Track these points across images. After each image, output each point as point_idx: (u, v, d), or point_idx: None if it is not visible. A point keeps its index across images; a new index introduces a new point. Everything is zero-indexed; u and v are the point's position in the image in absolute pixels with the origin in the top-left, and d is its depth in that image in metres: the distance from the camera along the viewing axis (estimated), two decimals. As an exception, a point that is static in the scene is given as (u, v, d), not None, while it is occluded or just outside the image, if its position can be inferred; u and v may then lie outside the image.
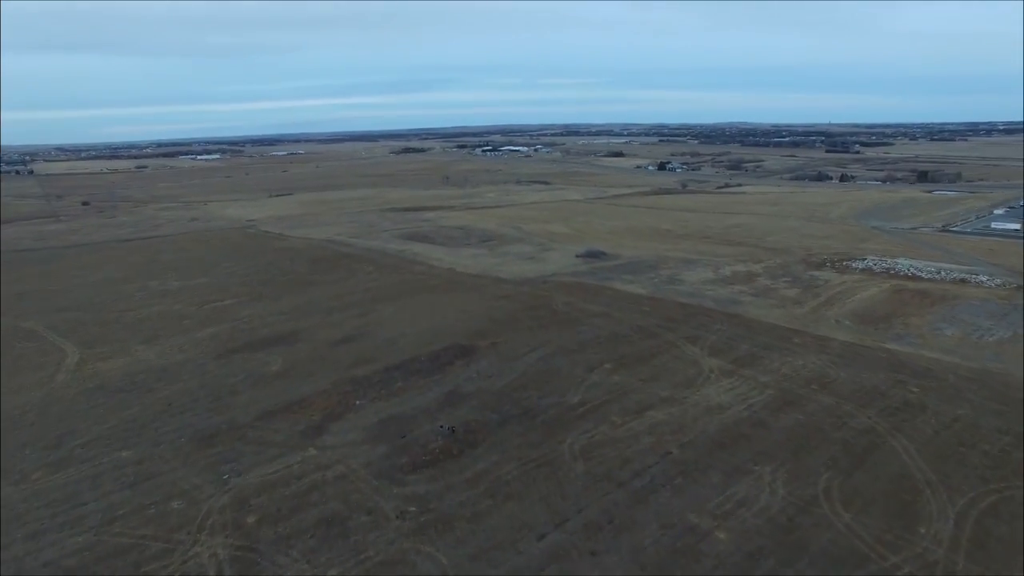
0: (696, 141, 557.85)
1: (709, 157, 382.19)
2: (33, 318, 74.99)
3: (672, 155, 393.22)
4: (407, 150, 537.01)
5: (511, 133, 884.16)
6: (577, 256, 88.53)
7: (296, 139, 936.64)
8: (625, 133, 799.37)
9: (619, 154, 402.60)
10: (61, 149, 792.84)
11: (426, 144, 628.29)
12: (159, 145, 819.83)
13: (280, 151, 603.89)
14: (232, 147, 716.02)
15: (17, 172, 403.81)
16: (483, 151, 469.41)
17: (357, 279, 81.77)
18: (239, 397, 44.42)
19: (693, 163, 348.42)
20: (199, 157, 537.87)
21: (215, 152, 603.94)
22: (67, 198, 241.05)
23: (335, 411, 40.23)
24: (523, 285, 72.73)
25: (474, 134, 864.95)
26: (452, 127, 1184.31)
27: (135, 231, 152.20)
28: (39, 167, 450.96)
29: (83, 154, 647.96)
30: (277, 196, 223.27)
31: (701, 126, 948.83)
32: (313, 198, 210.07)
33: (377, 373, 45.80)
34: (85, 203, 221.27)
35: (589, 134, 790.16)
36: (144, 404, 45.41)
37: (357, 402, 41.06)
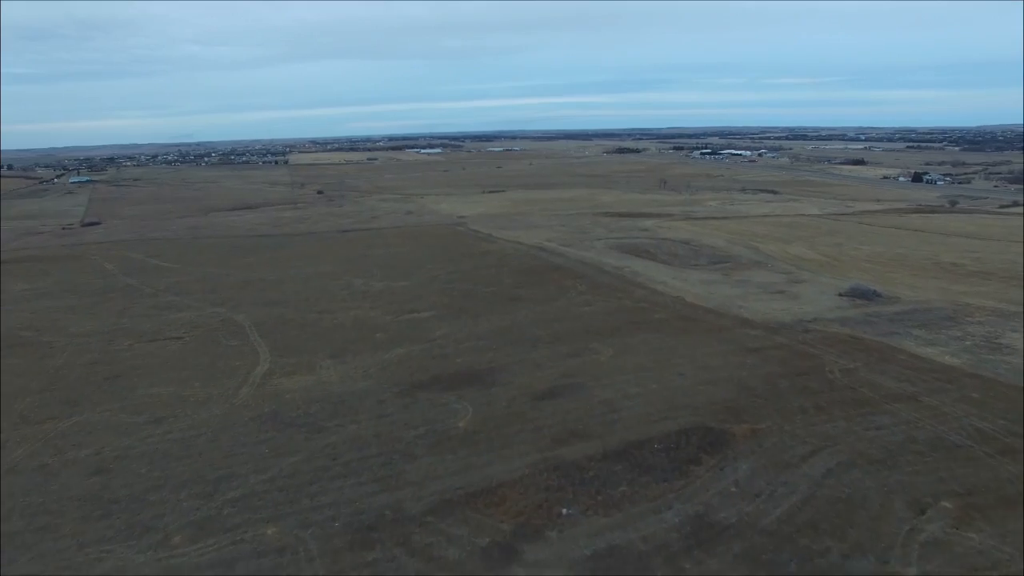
0: (956, 147, 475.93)
1: (979, 167, 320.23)
2: (245, 310, 73.93)
3: (927, 164, 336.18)
4: (621, 150, 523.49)
5: (730, 135, 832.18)
6: (840, 294, 69.10)
7: (513, 136, 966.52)
8: (862, 137, 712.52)
9: (860, 162, 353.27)
10: (313, 142, 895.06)
11: (640, 145, 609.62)
12: (391, 139, 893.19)
13: (496, 147, 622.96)
14: (453, 142, 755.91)
15: (276, 162, 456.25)
16: (701, 154, 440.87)
17: (568, 300, 70.49)
18: (415, 464, 34.62)
19: (958, 174, 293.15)
20: (423, 151, 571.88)
21: (437, 146, 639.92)
22: (307, 186, 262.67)
23: (532, 521, 28.58)
24: (777, 332, 56.10)
25: (690, 135, 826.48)
26: (667, 128, 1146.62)
27: (354, 222, 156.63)
28: (293, 158, 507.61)
29: (328, 146, 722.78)
30: (490, 192, 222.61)
31: (961, 130, 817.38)
32: (524, 196, 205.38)
33: (592, 460, 33.40)
34: (320, 192, 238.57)
35: (818, 138, 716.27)
36: (310, 451, 37.54)
37: (564, 511, 29.05)
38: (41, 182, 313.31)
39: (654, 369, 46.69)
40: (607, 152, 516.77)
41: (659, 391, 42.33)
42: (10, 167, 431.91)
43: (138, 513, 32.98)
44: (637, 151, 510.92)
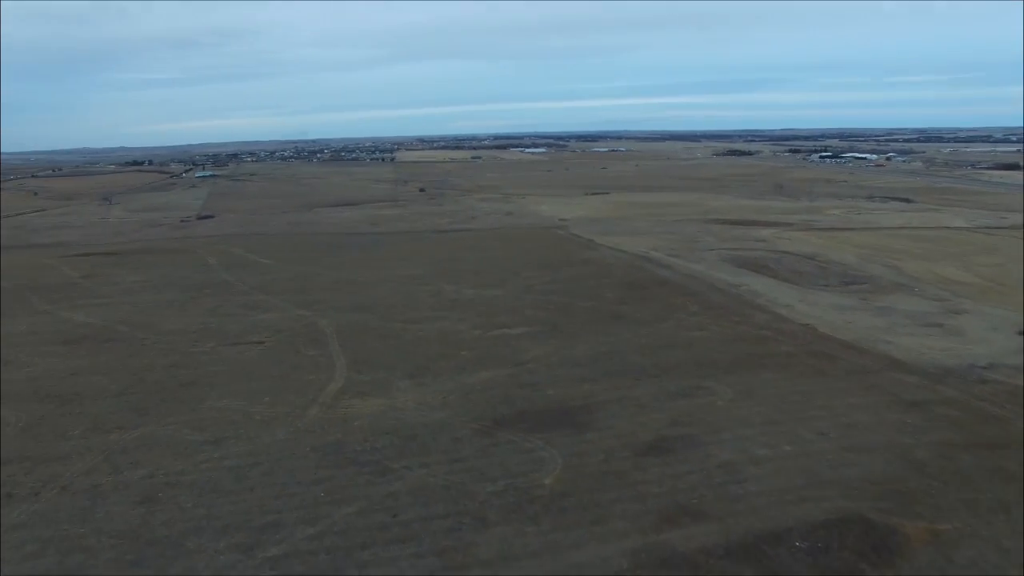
0: None
1: None
2: (330, 315, 70.74)
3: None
4: (732, 152, 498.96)
5: (852, 137, 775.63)
6: (1022, 333, 56.79)
7: (617, 136, 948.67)
8: (1013, 139, 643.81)
9: (1014, 166, 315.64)
10: (420, 140, 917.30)
11: (752, 147, 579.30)
12: (495, 138, 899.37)
13: (601, 147, 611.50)
14: (557, 142, 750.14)
15: (383, 159, 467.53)
16: (821, 157, 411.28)
17: (677, 322, 62.26)
18: (487, 535, 28.38)
19: None
20: (526, 150, 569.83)
21: (541, 146, 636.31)
22: (410, 184, 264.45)
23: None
24: (941, 381, 45.57)
25: (807, 137, 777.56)
26: (781, 130, 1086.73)
27: (452, 221, 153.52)
28: (400, 155, 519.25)
29: (435, 145, 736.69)
30: (593, 194, 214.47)
31: None
32: (629, 200, 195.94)
33: (710, 555, 25.74)
34: (421, 189, 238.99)
35: (956, 140, 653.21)
36: (369, 500, 32.22)
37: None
38: (171, 176, 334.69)
39: (786, 423, 38.17)
40: (716, 154, 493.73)
41: (795, 456, 33.93)
42: (149, 163, 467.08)
43: (171, 563, 28.70)
44: (749, 153, 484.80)
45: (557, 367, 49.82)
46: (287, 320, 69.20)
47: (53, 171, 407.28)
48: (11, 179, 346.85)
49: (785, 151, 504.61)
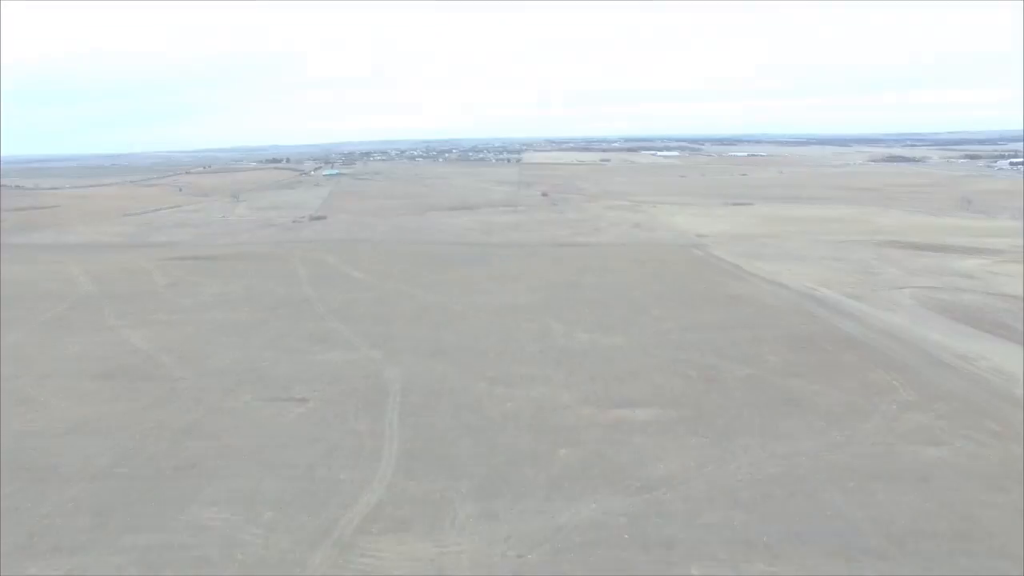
0: None
1: None
2: (404, 359, 56.20)
3: None
4: (892, 158, 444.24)
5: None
6: None
7: (756, 140, 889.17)
8: None
9: None
10: (550, 141, 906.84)
11: (916, 152, 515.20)
12: (625, 140, 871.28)
13: (739, 151, 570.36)
14: (691, 144, 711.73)
15: (508, 160, 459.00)
16: (1011, 164, 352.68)
17: (884, 419, 41.41)
18: None
19: None
20: (658, 153, 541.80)
21: (674, 149, 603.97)
22: (532, 187, 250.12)
23: None
24: None
25: (981, 141, 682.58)
26: (948, 133, 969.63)
27: (573, 233, 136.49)
28: (527, 156, 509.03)
29: (564, 146, 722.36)
30: (733, 205, 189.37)
31: None
32: (777, 212, 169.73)
33: None
34: (544, 194, 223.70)
35: None
36: None
37: None
38: (301, 174, 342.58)
39: None
40: (873, 160, 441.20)
41: None
42: (287, 160, 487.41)
43: None
44: (914, 160, 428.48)
45: (704, 507, 31.21)
46: (350, 364, 55.20)
47: (204, 168, 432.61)
48: (169, 175, 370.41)
49: (960, 157, 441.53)
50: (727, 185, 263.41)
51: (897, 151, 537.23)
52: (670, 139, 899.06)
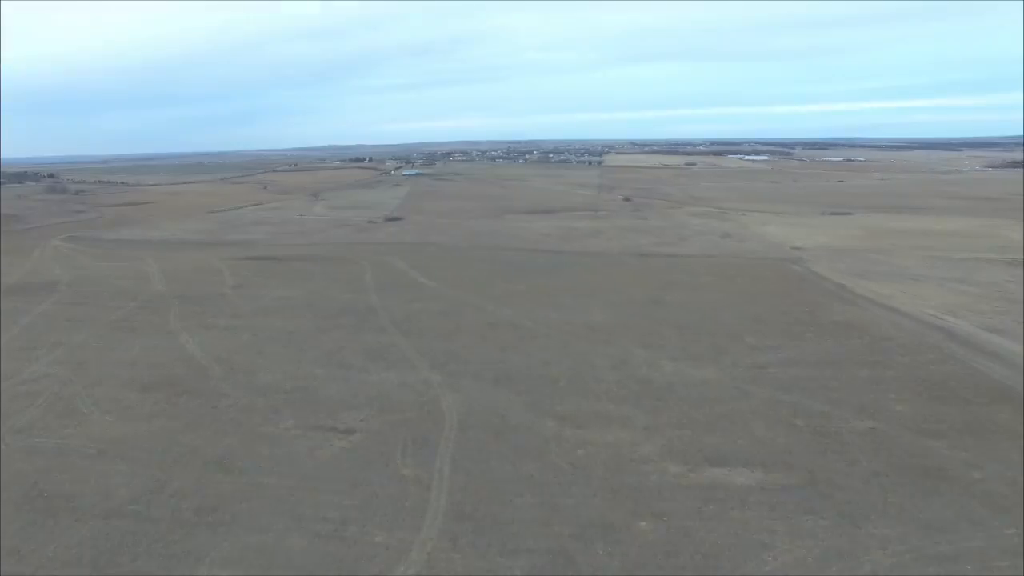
0: None
1: None
2: (464, 385, 50.60)
3: None
4: (1015, 163, 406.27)
5: None
6: None
7: (853, 144, 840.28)
8: None
9: None
10: (632, 143, 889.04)
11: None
12: (712, 143, 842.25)
13: (834, 156, 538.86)
14: (781, 148, 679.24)
15: (590, 163, 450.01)
16: None
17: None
18: None
19: None
20: (746, 157, 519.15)
21: (763, 153, 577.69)
22: (614, 191, 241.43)
23: None
24: None
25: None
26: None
27: (656, 241, 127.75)
28: (609, 159, 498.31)
29: (646, 149, 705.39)
30: (832, 214, 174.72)
31: None
32: (882, 224, 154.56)
33: None
34: (626, 199, 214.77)
35: None
36: None
37: None
38: (382, 173, 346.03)
39: None
40: (992, 166, 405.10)
41: None
42: (370, 159, 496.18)
43: None
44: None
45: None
46: (406, 388, 49.95)
47: (290, 166, 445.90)
48: (258, 173, 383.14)
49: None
50: (823, 192, 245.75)
51: (1019, 155, 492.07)
52: (758, 142, 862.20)
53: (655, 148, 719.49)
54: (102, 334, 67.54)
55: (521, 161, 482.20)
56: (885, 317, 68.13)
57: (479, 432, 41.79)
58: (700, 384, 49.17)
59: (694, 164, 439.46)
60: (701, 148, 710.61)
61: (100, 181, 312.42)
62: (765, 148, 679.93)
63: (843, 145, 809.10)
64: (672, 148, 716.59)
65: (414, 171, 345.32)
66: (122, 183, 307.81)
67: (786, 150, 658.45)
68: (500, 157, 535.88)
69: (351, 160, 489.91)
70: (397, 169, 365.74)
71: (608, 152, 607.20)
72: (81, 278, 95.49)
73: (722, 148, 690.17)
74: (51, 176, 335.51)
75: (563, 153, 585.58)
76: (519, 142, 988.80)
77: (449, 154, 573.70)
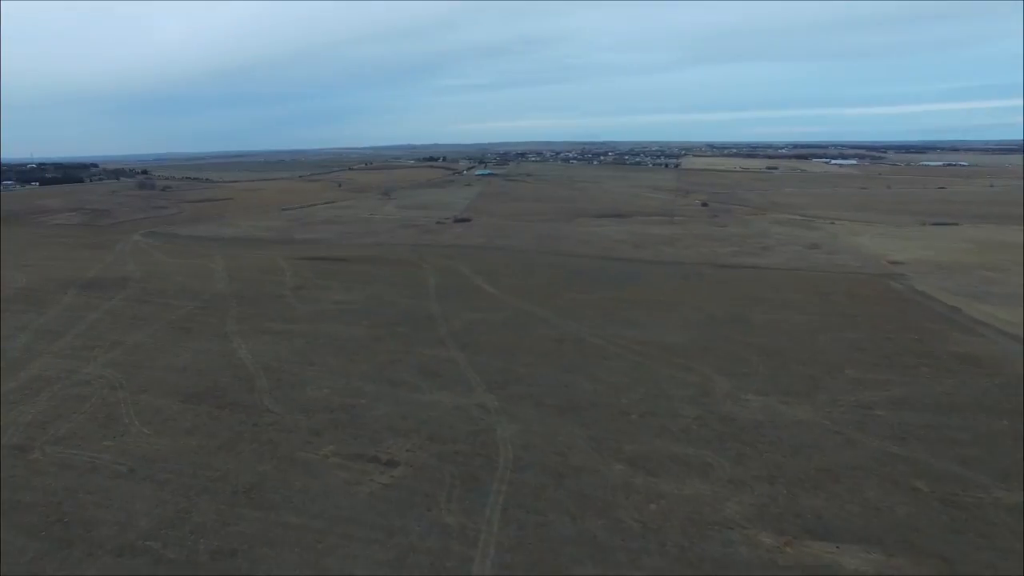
0: None
1: None
2: (523, 412, 45.77)
3: None
4: None
5: None
6: None
7: (954, 147, 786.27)
8: None
9: None
10: (709, 146, 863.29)
11: None
12: (794, 146, 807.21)
13: (932, 160, 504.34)
14: (871, 152, 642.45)
15: (666, 165, 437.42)
16: None
17: None
18: None
19: None
20: (832, 161, 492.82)
21: (851, 157, 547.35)
22: (691, 195, 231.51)
23: None
24: None
25: None
26: None
27: (736, 251, 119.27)
28: (685, 162, 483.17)
29: (724, 152, 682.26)
30: (933, 225, 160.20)
31: None
32: (995, 237, 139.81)
33: None
34: (704, 204, 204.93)
35: None
36: None
37: None
38: (454, 173, 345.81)
39: None
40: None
41: None
42: (443, 159, 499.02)
43: None
44: None
45: None
46: (459, 413, 45.42)
47: (366, 165, 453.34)
48: (334, 171, 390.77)
49: None
50: (921, 200, 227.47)
51: None
52: (845, 145, 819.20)
53: (733, 151, 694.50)
54: (160, 334, 66.35)
55: (595, 163, 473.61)
56: (1012, 350, 58.82)
57: (537, 473, 36.71)
58: (793, 426, 42.42)
59: (775, 168, 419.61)
60: (782, 151, 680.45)
61: (186, 177, 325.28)
62: (853, 151, 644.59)
63: (943, 148, 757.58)
64: (751, 151, 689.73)
65: (486, 171, 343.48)
66: (207, 179, 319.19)
67: (877, 154, 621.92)
68: (574, 158, 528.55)
69: (425, 159, 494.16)
70: (470, 169, 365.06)
71: (684, 155, 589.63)
72: (151, 274, 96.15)
73: (805, 151, 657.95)
74: (143, 172, 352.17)
75: (638, 155, 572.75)
76: (594, 143, 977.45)
77: (523, 154, 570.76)
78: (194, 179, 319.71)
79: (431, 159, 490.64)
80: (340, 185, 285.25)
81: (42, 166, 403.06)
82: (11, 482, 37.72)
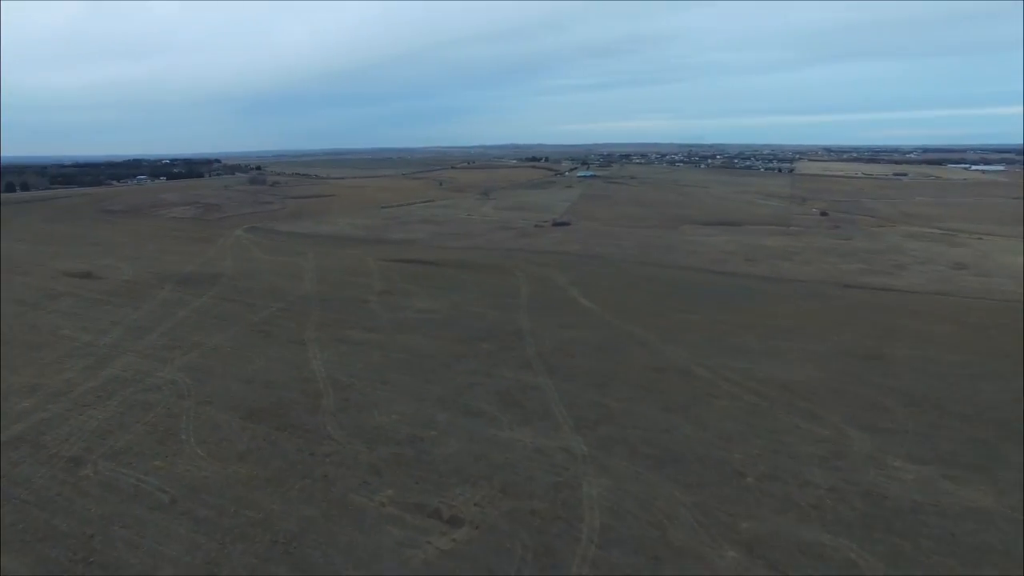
0: None
1: None
2: (613, 462, 38.89)
3: None
4: None
5: None
6: None
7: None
8: None
9: None
10: (827, 150, 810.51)
11: None
12: (923, 150, 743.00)
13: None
14: (1021, 156, 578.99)
15: (779, 170, 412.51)
16: None
17: None
18: None
19: None
20: (972, 167, 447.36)
21: (995, 162, 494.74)
22: (808, 203, 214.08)
23: None
24: None
25: None
26: None
27: (864, 269, 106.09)
28: (800, 166, 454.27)
29: (844, 156, 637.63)
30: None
31: None
32: None
33: None
34: (823, 213, 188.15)
35: None
36: None
37: None
38: (555, 174, 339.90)
39: None
40: None
41: None
42: (546, 159, 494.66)
43: None
44: None
45: None
46: (540, 458, 39.05)
47: (468, 164, 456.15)
48: (436, 169, 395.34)
49: None
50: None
51: None
52: (987, 149, 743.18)
53: (855, 156, 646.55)
54: (239, 337, 64.26)
55: (703, 166, 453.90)
56: None
57: (627, 552, 29.71)
58: (968, 517, 32.94)
59: (905, 174, 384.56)
60: (911, 156, 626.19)
61: (296, 173, 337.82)
62: (997, 156, 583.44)
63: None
64: (873, 155, 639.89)
65: (588, 172, 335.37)
66: (315, 176, 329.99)
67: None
68: (680, 161, 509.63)
69: (527, 160, 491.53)
70: (571, 170, 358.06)
71: (799, 159, 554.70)
72: (244, 272, 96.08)
73: (939, 156, 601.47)
74: (257, 168, 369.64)
75: (749, 159, 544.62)
76: (701, 145, 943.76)
77: (627, 156, 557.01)
78: (303, 175, 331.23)
79: (534, 159, 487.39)
80: (441, 184, 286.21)
81: (173, 162, 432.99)
82: (54, 503, 35.03)
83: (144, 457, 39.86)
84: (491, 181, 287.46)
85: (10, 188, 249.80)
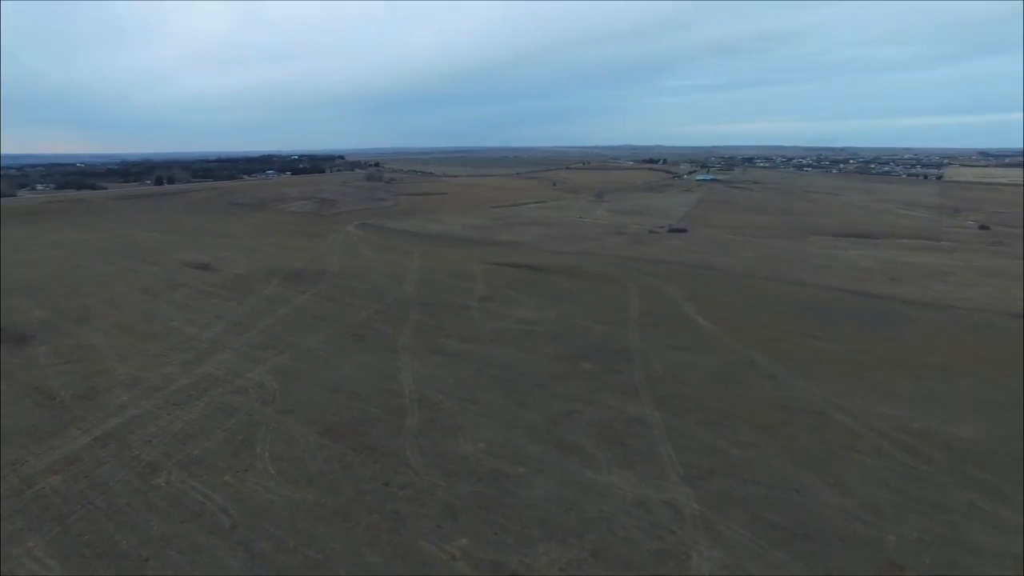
0: None
1: None
2: (739, 514, 32.41)
3: None
4: None
5: None
6: None
7: None
8: None
9: None
10: (983, 154, 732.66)
11: None
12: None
13: None
14: None
15: (924, 176, 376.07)
16: None
17: None
18: None
19: None
20: None
21: None
22: (962, 214, 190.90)
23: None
24: None
25: None
26: None
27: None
28: (950, 172, 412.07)
29: (1005, 160, 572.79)
30: None
31: None
32: None
33: None
34: (983, 227, 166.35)
35: None
36: None
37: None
38: (673, 177, 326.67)
39: None
40: None
41: None
42: (664, 161, 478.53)
43: None
44: None
45: None
46: (640, 515, 33.16)
47: (583, 164, 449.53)
48: (551, 170, 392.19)
49: None
50: None
51: None
52: None
53: (1017, 160, 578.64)
54: (332, 340, 62.46)
55: (834, 171, 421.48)
56: None
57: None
58: None
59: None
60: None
61: (412, 171, 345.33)
62: None
63: None
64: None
65: (708, 176, 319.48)
66: (430, 173, 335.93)
67: None
68: (808, 165, 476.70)
69: (644, 161, 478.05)
70: (690, 173, 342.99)
71: (949, 164, 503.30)
72: (348, 270, 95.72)
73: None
74: (376, 165, 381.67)
75: (887, 163, 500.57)
76: (831, 149, 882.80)
77: (750, 159, 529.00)
78: (419, 172, 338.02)
79: (650, 161, 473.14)
80: (554, 184, 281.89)
81: (300, 158, 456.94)
82: (122, 514, 33.33)
83: (216, 470, 37.73)
84: (606, 182, 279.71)
85: (159, 181, 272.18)
